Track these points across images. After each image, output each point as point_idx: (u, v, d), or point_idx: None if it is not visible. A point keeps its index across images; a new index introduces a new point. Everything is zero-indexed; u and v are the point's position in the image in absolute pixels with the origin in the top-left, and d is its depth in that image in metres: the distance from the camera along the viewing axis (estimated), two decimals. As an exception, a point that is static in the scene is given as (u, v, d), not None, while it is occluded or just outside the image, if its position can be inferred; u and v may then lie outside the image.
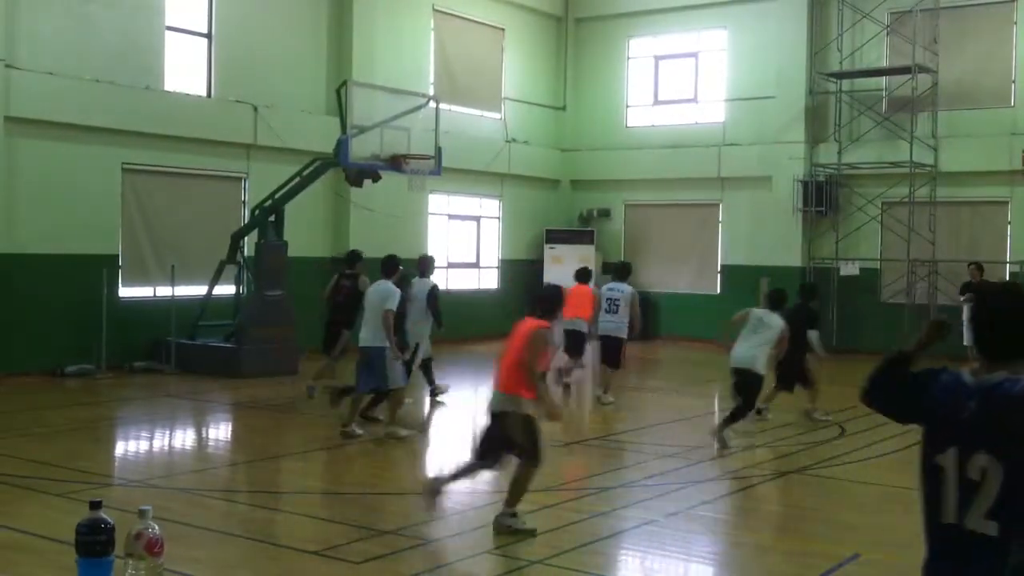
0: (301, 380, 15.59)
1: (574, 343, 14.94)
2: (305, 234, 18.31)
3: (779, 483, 9.93)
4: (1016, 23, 20.08)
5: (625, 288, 14.44)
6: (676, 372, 18.60)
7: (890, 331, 20.51)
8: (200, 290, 16.69)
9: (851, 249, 21.53)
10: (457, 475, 8.03)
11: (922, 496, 3.33)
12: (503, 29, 23.41)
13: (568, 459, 10.89)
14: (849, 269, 21.29)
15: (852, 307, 21.29)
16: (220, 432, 12.89)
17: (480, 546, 7.52)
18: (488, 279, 23.40)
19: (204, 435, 12.50)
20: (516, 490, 7.64)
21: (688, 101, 23.74)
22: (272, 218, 16.34)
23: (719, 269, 22.98)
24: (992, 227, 20.39)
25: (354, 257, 14.21)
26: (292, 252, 16.65)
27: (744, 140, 22.44)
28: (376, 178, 16.23)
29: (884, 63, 21.30)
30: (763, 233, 22.11)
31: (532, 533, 7.54)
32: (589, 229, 23.91)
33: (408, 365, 12.31)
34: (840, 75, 21.47)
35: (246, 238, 16.91)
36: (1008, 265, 19.84)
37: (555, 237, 23.49)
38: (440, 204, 22.04)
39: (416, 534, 7.71)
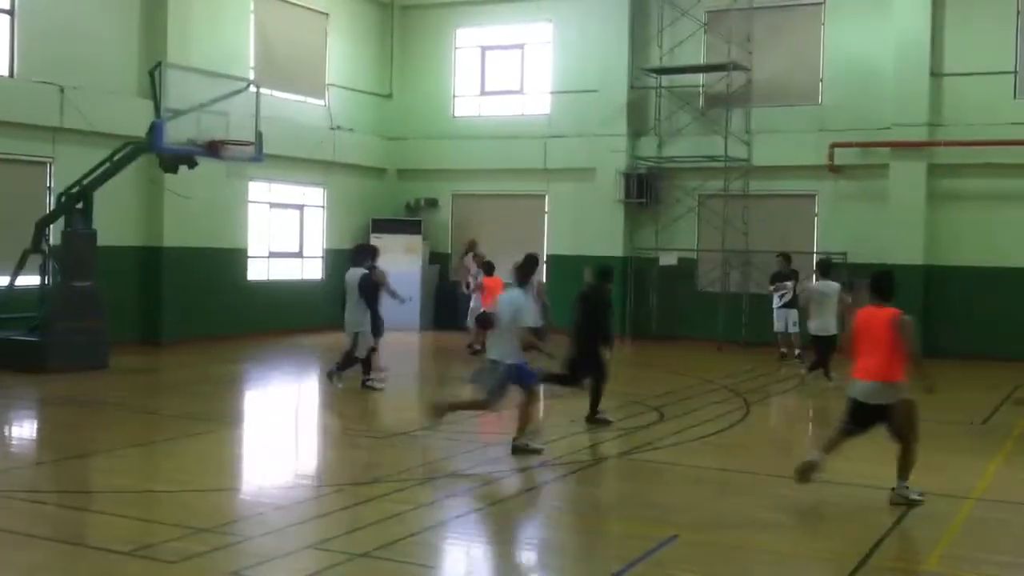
0: (111, 374, 14.95)
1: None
2: (117, 222, 17.52)
3: (600, 468, 10.10)
4: (824, 24, 21.11)
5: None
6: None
7: (706, 319, 21.32)
8: (1, 281, 15.73)
9: (670, 240, 22.18)
10: (829, 447, 8.77)
11: None
12: (327, 14, 22.97)
13: (395, 449, 10.79)
14: (667, 259, 21.94)
15: (671, 296, 21.97)
16: (24, 430, 12.17)
17: (302, 541, 7.35)
18: (312, 269, 22.96)
19: (6, 433, 11.75)
20: (906, 465, 8.59)
21: (514, 92, 23.93)
22: (80, 205, 15.55)
23: (544, 259, 23.25)
24: (800, 219, 21.38)
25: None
26: (102, 241, 15.90)
27: (569, 132, 22.77)
28: (192, 164, 15.66)
29: (701, 60, 22.00)
30: (587, 223, 22.52)
31: (921, 502, 8.49)
32: (416, 219, 23.79)
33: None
34: (660, 71, 22.05)
35: (52, 226, 16.01)
36: (815, 255, 20.85)
37: (381, 227, 23.22)
38: (262, 192, 21.45)
39: (235, 531, 7.48)
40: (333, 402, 14.24)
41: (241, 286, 20.66)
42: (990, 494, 8.84)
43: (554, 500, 8.89)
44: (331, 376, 14.31)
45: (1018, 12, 19.62)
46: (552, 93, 23.31)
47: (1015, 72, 19.59)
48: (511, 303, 10.21)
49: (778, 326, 18.91)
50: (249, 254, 21.02)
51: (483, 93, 24.25)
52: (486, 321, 18.51)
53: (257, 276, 21.28)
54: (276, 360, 18.06)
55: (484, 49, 24.22)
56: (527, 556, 7.58)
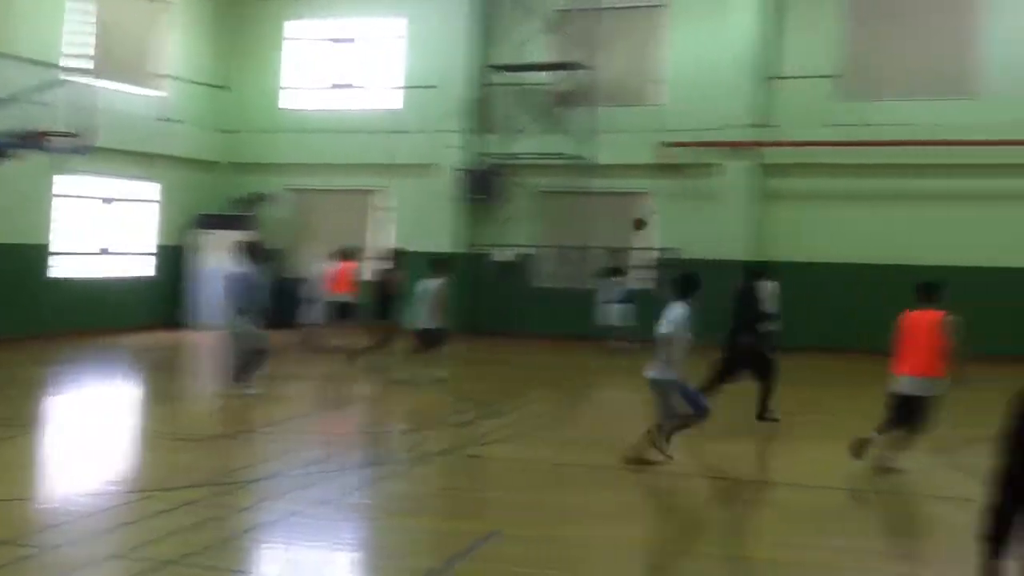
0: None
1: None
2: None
3: (426, 465, 9.94)
4: (666, 27, 21.55)
5: (432, 284, 14.85)
6: (328, 359, 17.98)
7: (542, 314, 21.49)
8: None
9: (510, 236, 22.23)
10: (897, 448, 9.39)
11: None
12: (165, 2, 22.08)
13: (214, 452, 10.39)
14: (503, 255, 22.03)
15: (507, 292, 22.02)
16: None
17: (107, 550, 6.95)
18: (141, 265, 22.01)
19: None
20: (905, 446, 9.43)
21: (356, 87, 23.56)
22: None
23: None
24: (637, 216, 21.68)
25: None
26: None
27: (411, 128, 22.53)
28: (9, 156, 14.80)
29: (547, 59, 22.10)
30: (427, 219, 22.31)
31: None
32: (249, 213, 23.07)
33: None
34: (506, 68, 22.06)
35: None
36: (652, 251, 21.24)
37: (212, 222, 22.36)
38: (87, 186, 20.41)
39: (36, 542, 7.03)
40: (149, 405, 13.68)
41: (49, 284, 19.38)
42: (832, 482, 9.08)
43: (377, 498, 8.70)
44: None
45: (846, 18, 20.49)
46: (395, 88, 23.06)
47: (840, 76, 20.43)
48: (674, 318, 9.62)
49: (607, 320, 19.26)
50: (53, 250, 19.59)
51: (322, 87, 23.78)
52: (348, 312, 17.96)
53: (70, 273, 20.04)
54: (89, 361, 17.16)
55: (323, 42, 23.79)
56: (344, 556, 7.37)
